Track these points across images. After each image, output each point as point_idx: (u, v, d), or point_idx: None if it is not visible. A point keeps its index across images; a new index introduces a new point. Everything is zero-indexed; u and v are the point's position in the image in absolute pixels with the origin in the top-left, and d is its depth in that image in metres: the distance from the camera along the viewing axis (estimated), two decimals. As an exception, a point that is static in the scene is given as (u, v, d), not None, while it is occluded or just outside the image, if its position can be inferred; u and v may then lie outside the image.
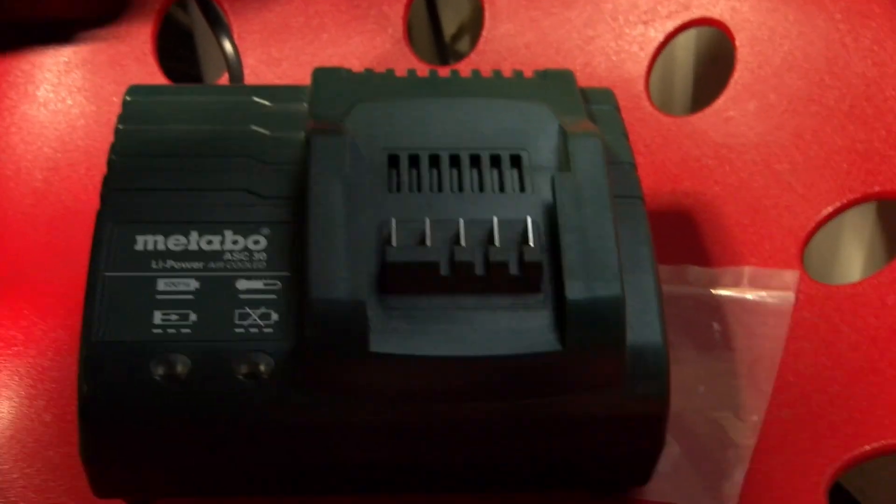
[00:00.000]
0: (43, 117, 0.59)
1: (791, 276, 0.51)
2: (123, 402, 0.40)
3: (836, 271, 0.70)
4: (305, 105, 0.46)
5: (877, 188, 0.53)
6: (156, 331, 0.40)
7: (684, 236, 0.54)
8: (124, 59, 0.60)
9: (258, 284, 0.41)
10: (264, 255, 0.42)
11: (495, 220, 0.41)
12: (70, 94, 0.59)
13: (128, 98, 0.47)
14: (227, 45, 0.55)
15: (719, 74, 0.68)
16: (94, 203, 0.43)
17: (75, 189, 0.57)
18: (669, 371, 0.41)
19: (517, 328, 0.40)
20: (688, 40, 0.74)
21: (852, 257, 0.70)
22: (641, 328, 0.41)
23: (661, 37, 0.59)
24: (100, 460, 0.41)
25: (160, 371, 0.40)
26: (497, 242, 0.41)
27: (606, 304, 0.40)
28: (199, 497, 0.43)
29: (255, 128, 0.45)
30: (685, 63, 0.74)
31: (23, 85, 0.59)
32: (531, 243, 0.41)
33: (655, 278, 0.42)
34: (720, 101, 0.57)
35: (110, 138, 0.45)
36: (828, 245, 0.70)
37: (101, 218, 0.43)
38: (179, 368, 0.40)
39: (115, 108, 0.56)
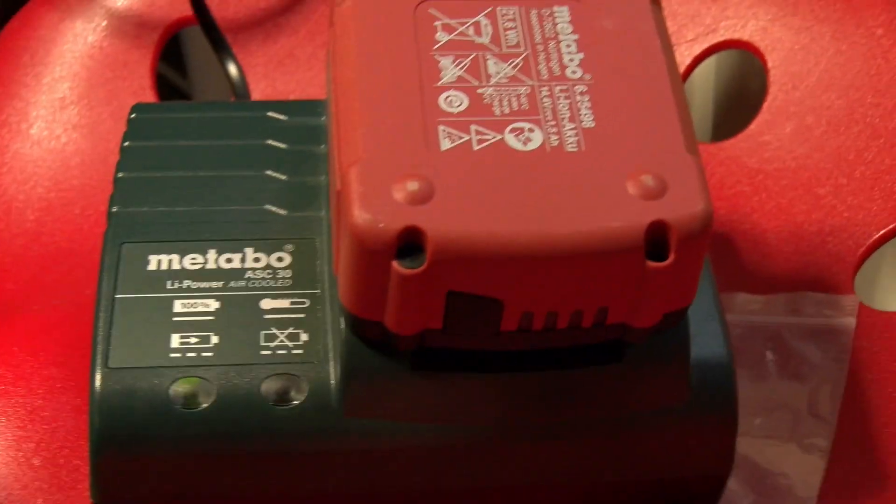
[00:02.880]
0: (36, 156, 0.55)
1: (850, 301, 0.48)
2: (143, 434, 0.36)
3: (875, 296, 0.67)
4: (324, 118, 0.43)
5: (935, 207, 0.50)
6: (174, 355, 0.37)
7: (723, 266, 0.50)
8: (122, 94, 0.57)
9: (284, 303, 0.38)
10: (289, 272, 0.39)
11: None
12: (65, 132, 0.56)
13: (133, 116, 0.44)
14: (233, 69, 0.52)
15: (740, 101, 0.66)
16: (89, 244, 0.40)
17: (69, 230, 0.53)
18: (737, 386, 0.38)
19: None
20: (706, 66, 0.71)
21: (891, 282, 0.67)
22: (704, 339, 0.38)
23: (687, 60, 0.56)
24: (115, 502, 0.38)
25: (182, 398, 0.36)
26: None
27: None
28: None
29: (271, 142, 0.43)
30: (703, 90, 0.71)
31: (15, 123, 0.56)
32: None
33: (714, 287, 0.40)
34: (753, 126, 0.54)
35: (107, 176, 0.42)
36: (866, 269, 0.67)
37: (109, 238, 0.40)
38: (203, 395, 0.37)
39: (112, 146, 0.53)
